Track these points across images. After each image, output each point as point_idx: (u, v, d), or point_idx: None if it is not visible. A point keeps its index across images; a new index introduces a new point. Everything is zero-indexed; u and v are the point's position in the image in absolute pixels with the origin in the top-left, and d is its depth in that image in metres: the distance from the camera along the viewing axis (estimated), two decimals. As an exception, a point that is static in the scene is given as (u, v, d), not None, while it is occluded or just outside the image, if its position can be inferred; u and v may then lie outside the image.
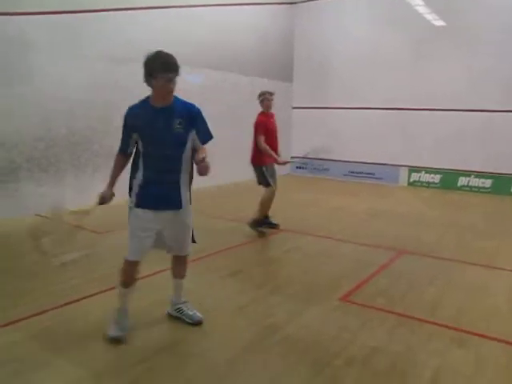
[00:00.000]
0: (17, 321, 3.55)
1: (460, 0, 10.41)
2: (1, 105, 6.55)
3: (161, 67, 3.02)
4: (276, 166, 6.36)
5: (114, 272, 4.51)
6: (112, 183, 3.31)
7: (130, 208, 3.27)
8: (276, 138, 6.38)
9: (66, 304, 3.88)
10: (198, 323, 3.58)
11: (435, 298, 4.25)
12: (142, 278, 3.70)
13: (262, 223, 6.38)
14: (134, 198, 3.25)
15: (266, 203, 6.30)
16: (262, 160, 6.21)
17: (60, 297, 4.00)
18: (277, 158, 6.23)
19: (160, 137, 3.11)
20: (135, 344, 3.26)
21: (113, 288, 4.18)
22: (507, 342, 3.40)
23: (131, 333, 3.39)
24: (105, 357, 3.10)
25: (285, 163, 6.51)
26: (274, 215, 6.61)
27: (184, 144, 3.18)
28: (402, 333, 3.53)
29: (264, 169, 6.22)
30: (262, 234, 6.31)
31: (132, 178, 3.28)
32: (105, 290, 4.18)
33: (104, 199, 3.28)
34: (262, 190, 6.36)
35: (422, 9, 10.92)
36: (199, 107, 3.28)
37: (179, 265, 3.63)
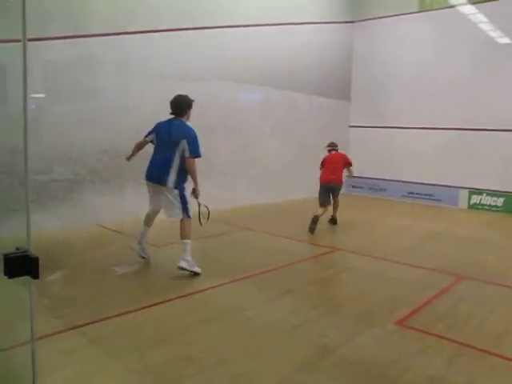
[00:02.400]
0: (79, 326, 3.67)
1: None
2: (68, 120, 6.90)
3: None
4: None
5: (170, 284, 4.68)
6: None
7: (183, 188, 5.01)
8: None
9: (126, 313, 3.98)
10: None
11: (499, 328, 4.03)
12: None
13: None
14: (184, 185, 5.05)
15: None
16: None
17: (121, 306, 4.12)
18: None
19: None
20: (188, 358, 3.29)
21: (169, 300, 4.30)
22: None
23: (182, 346, 3.45)
24: (160, 366, 3.16)
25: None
26: (327, 235, 6.58)
27: None
28: (462, 363, 3.36)
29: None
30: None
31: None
32: (161, 302, 4.26)
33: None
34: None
35: (485, 26, 10.63)
36: None
37: None
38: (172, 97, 5.09)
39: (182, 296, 4.42)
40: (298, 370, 3.18)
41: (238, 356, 3.36)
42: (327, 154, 8.50)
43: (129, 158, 5.40)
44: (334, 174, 8.10)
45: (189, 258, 4.91)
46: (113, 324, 3.78)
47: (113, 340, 3.51)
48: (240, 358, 3.34)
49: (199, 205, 5.17)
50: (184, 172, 4.97)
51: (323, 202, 7.75)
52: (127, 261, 5.38)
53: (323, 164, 8.38)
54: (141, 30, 7.65)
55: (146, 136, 5.25)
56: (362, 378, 3.12)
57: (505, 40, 10.50)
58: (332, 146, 8.58)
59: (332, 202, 8.03)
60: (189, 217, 5.00)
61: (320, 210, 7.59)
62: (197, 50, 8.47)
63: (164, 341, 3.54)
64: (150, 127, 5.24)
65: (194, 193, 5.07)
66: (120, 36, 7.43)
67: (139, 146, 5.33)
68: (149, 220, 5.36)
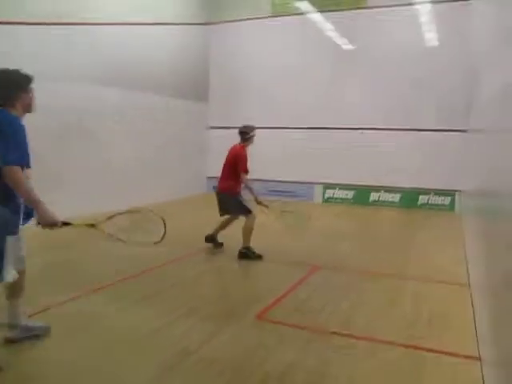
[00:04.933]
0: None
1: (363, 28, 11.09)
2: None
3: (29, 80, 3.26)
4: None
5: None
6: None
7: None
8: None
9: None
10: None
11: (348, 311, 4.35)
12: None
13: (249, 250, 6.21)
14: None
15: (250, 230, 6.22)
16: (237, 190, 6.27)
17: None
18: (259, 199, 6.24)
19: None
20: (34, 379, 3.02)
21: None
22: (412, 347, 3.56)
23: (29, 367, 3.16)
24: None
25: (264, 205, 6.30)
26: (188, 235, 6.44)
27: None
28: (316, 347, 3.57)
29: (241, 198, 6.26)
30: (258, 257, 6.17)
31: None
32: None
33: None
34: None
35: (331, 33, 11.51)
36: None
37: None
38: None
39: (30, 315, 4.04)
40: (158, 375, 3.11)
41: (93, 371, 3.17)
42: None
43: None
44: (221, 178, 6.45)
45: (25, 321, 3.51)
46: None
47: None
48: (96, 372, 3.15)
49: None
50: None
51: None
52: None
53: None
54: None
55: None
56: (223, 375, 3.13)
57: (348, 47, 11.48)
58: (240, 132, 6.48)
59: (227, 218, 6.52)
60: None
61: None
62: (45, 47, 7.82)
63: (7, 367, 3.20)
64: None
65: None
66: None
67: None
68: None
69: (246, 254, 6.16)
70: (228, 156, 6.42)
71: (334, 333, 3.81)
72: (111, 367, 3.21)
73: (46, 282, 4.71)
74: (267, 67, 12.25)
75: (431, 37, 10.77)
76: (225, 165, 6.41)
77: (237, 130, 6.55)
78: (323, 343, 3.64)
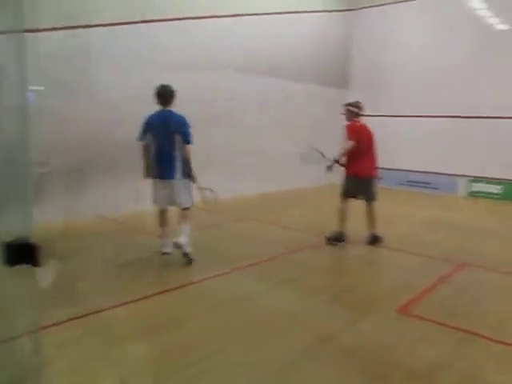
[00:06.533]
0: (78, 317, 3.66)
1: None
2: (68, 112, 6.78)
3: None
4: None
5: (169, 275, 4.65)
6: None
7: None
8: None
9: (123, 304, 3.95)
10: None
11: (501, 315, 4.00)
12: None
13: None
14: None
15: (375, 215, 6.09)
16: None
17: (119, 297, 4.09)
18: None
19: None
20: (188, 347, 3.27)
21: (168, 290, 4.29)
22: None
23: (182, 335, 3.43)
24: (159, 355, 3.14)
25: None
26: (326, 224, 6.47)
27: None
28: (465, 349, 3.34)
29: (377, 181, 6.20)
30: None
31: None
32: (160, 293, 4.25)
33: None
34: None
35: (483, 12, 10.56)
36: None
37: None
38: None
39: (182, 286, 4.40)
40: (298, 357, 3.16)
41: (238, 345, 3.34)
42: (352, 121, 6.19)
43: (147, 174, 5.22)
44: (369, 162, 5.98)
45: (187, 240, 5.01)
46: (111, 315, 3.75)
47: (111, 330, 3.49)
48: (240, 347, 3.32)
49: (202, 189, 5.20)
50: (183, 160, 5.04)
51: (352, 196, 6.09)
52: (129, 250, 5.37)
53: (358, 139, 5.92)
54: (139, 20, 7.54)
55: (142, 138, 5.13)
56: (364, 364, 3.10)
57: (502, 27, 10.44)
58: (358, 108, 6.28)
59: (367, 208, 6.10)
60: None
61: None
62: (196, 39, 8.38)
63: (163, 331, 3.51)
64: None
65: (193, 178, 5.11)
66: (118, 26, 7.31)
67: (147, 154, 5.15)
68: (166, 219, 5.35)
69: (376, 241, 6.02)
70: (369, 136, 6.18)
71: (486, 337, 3.53)
72: (250, 347, 3.33)
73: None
74: (410, 54, 11.60)
75: None
76: (369, 147, 6.11)
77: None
78: (473, 346, 3.39)
